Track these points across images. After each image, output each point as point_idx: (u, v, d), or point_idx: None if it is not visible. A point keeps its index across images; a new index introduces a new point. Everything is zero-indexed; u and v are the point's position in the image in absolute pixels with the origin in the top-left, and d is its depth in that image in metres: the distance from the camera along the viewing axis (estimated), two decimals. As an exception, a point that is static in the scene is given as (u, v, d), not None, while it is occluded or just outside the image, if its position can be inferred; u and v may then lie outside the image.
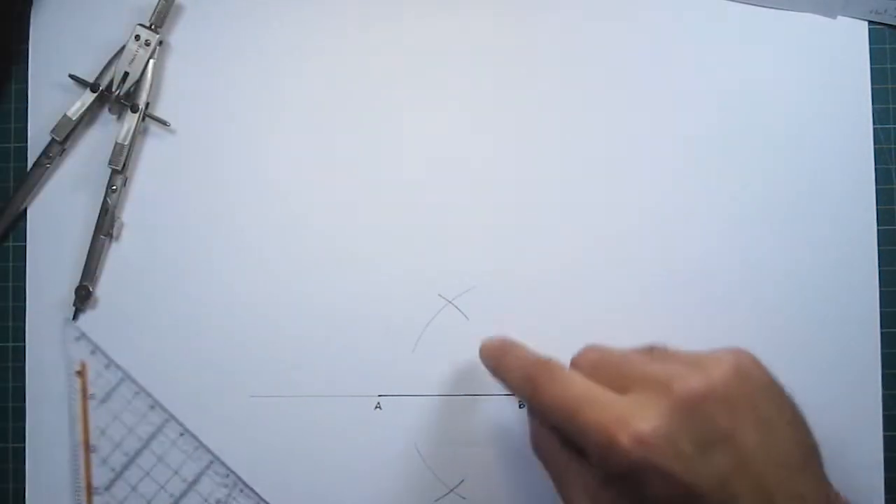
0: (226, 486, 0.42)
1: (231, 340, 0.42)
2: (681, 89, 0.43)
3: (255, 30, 0.43)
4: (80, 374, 0.42)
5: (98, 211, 0.42)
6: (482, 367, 0.42)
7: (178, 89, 0.43)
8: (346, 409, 0.42)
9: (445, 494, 0.42)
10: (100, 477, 0.42)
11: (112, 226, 0.42)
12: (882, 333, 0.42)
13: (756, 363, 0.32)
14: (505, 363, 0.36)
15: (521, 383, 0.34)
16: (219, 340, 0.42)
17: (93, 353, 0.42)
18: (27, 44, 0.43)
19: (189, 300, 0.42)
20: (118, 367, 0.42)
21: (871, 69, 0.42)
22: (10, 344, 0.43)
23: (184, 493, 0.42)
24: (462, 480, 0.42)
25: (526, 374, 0.34)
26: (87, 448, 0.42)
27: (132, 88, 0.42)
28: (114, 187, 0.42)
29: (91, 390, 0.42)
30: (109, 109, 0.43)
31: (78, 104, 0.42)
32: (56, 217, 0.43)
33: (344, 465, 0.42)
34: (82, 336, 0.42)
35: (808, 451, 0.31)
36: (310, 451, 0.42)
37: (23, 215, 0.43)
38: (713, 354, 0.32)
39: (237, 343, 0.42)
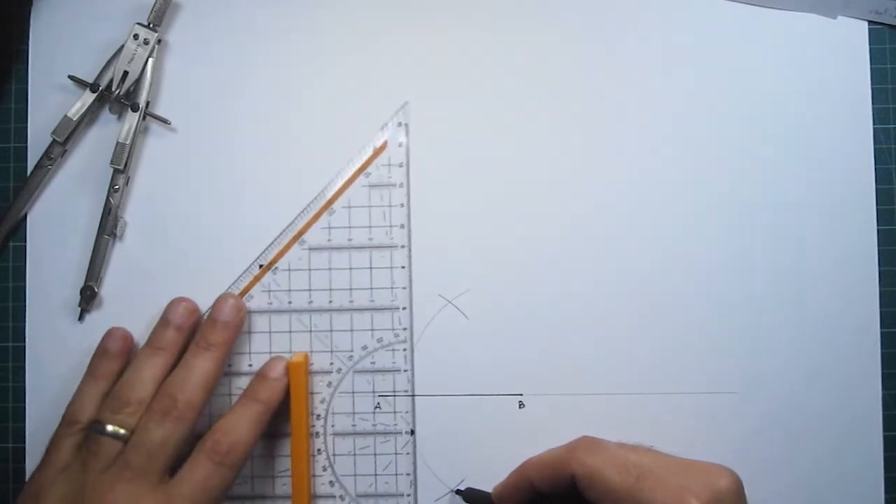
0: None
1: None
2: (680, 89, 0.43)
3: (253, 25, 0.43)
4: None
5: (100, 211, 0.42)
6: (482, 367, 0.42)
7: (177, 87, 0.43)
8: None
9: (445, 494, 0.42)
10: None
11: (115, 225, 0.42)
12: (882, 333, 0.42)
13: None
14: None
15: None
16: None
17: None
18: (27, 44, 0.43)
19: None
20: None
21: (871, 69, 0.42)
22: (10, 344, 0.43)
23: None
24: (462, 480, 0.42)
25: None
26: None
27: (132, 87, 0.42)
28: (116, 187, 0.42)
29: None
30: (110, 109, 0.43)
31: (78, 104, 0.42)
32: (58, 218, 0.43)
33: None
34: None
35: None
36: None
37: (24, 217, 0.43)
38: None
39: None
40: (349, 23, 0.43)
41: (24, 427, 0.42)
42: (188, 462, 0.37)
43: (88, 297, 0.42)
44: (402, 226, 0.42)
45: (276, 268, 0.42)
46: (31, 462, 0.42)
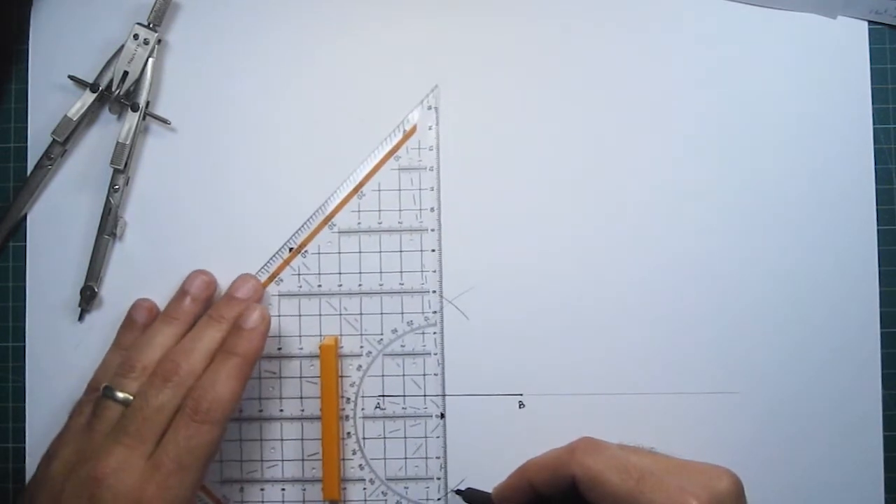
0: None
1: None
2: (681, 89, 0.43)
3: (253, 25, 0.43)
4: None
5: (100, 211, 0.42)
6: (482, 367, 0.42)
7: (177, 87, 0.43)
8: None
9: (445, 494, 0.42)
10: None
11: (115, 225, 0.42)
12: (882, 333, 0.42)
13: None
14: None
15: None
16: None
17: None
18: (27, 44, 0.43)
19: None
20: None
21: (871, 69, 0.42)
22: (10, 344, 0.43)
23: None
24: (462, 480, 0.42)
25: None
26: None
27: (132, 87, 0.42)
28: (116, 186, 0.42)
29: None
30: (110, 109, 0.43)
31: (78, 104, 0.42)
32: (58, 218, 0.43)
33: (344, 464, 0.42)
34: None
35: None
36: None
37: (24, 217, 0.43)
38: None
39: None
40: (346, 13, 0.43)
41: (24, 427, 0.42)
42: (171, 425, 0.36)
43: (88, 297, 0.42)
44: (433, 209, 0.42)
45: (305, 251, 0.42)
46: (31, 462, 0.41)
